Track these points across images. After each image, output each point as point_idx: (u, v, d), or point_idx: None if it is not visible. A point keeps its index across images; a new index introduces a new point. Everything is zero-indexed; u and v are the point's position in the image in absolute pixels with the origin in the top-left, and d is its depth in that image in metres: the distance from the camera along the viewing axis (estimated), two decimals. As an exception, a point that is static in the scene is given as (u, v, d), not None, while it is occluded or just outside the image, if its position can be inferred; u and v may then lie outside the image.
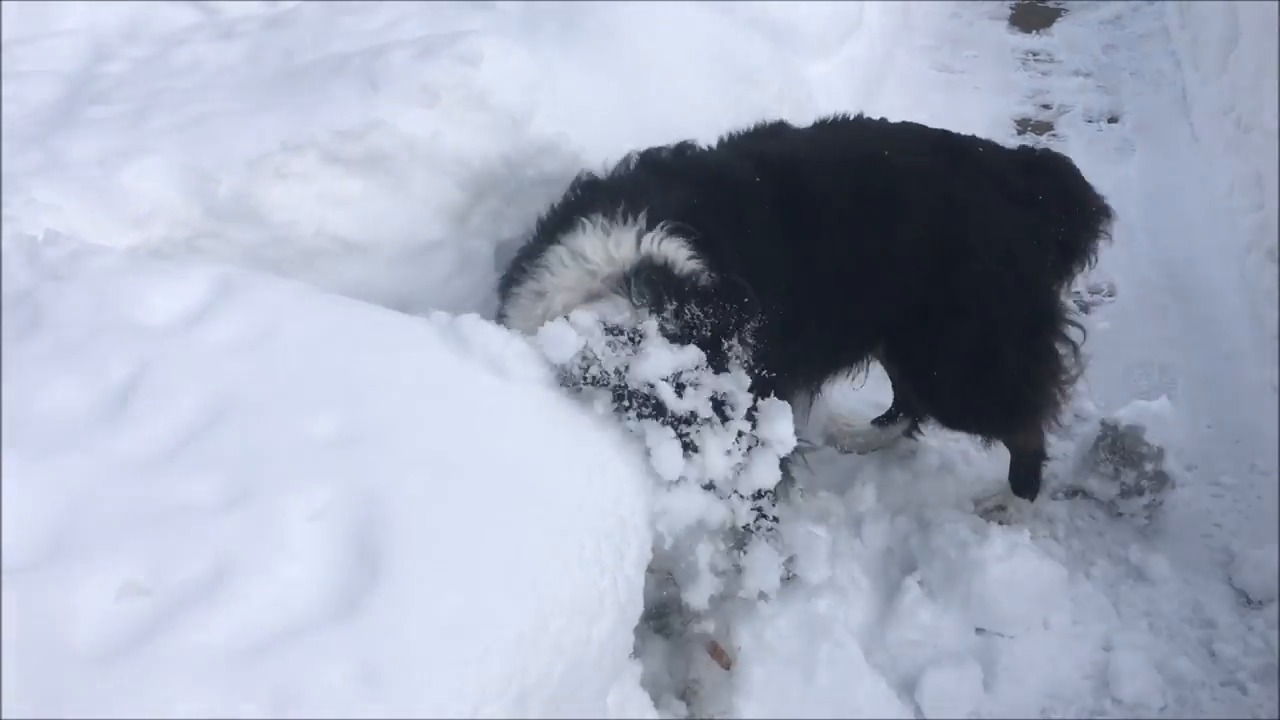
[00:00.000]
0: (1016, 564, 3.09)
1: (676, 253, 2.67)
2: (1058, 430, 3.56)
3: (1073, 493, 3.74)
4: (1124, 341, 4.57)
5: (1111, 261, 5.09)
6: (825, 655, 2.77)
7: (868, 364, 3.49)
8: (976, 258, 3.09)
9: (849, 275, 3.04)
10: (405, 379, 2.33)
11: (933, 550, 3.24)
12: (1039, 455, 3.58)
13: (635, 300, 2.56)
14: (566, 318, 2.55)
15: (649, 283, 2.58)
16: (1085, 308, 4.65)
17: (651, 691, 2.83)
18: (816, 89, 4.71)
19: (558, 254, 2.69)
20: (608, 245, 2.66)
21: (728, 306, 2.61)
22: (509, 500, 2.15)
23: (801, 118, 4.29)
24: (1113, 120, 6.46)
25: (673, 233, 2.69)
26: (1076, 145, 6.18)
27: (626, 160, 3.07)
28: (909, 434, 3.84)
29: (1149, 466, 3.54)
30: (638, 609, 2.35)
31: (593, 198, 2.87)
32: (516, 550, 2.06)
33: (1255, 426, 3.91)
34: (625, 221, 2.69)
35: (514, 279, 2.80)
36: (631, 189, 2.86)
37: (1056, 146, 6.15)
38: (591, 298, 2.63)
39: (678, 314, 2.56)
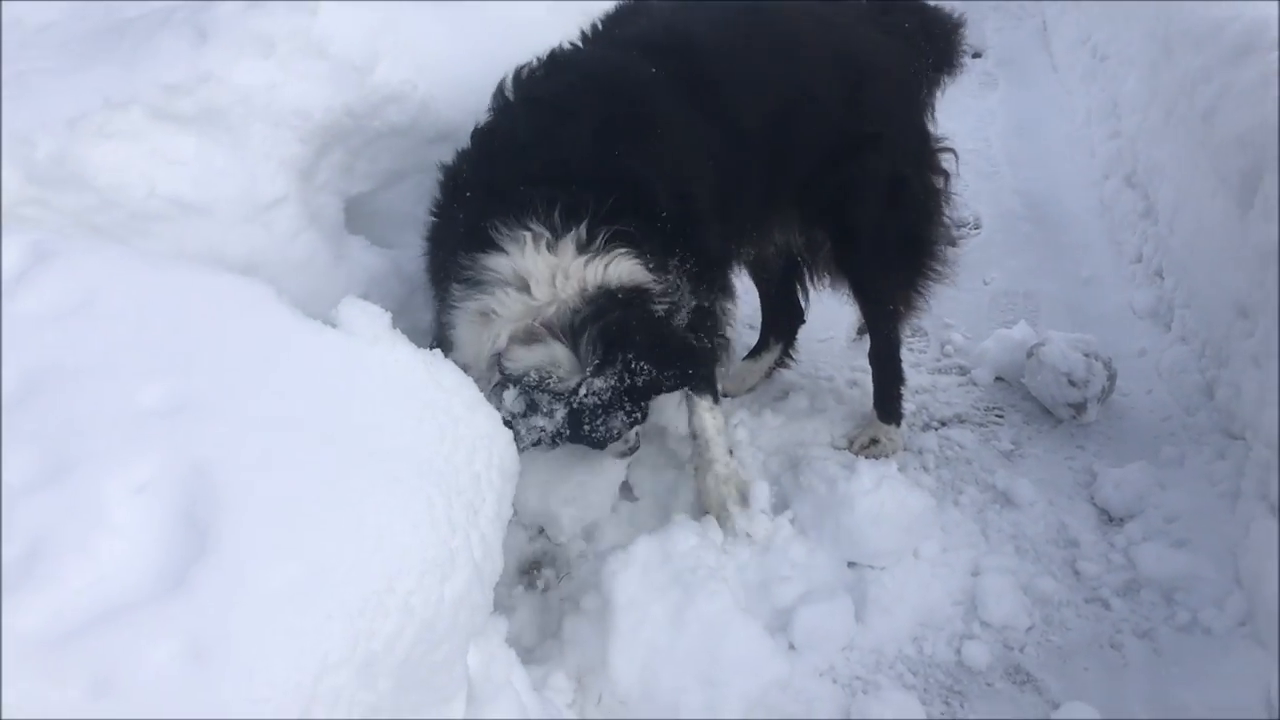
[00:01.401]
0: (884, 496, 3.11)
1: (632, 273, 2.62)
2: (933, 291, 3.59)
3: (943, 424, 3.80)
4: (989, 272, 4.65)
5: (976, 194, 5.19)
6: (695, 602, 2.75)
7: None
8: (878, 85, 3.20)
9: (770, 131, 3.04)
10: (239, 343, 2.22)
11: (804, 488, 3.25)
12: (898, 343, 3.60)
13: (582, 360, 2.55)
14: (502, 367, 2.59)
15: (601, 336, 2.54)
16: (952, 241, 4.69)
17: (520, 647, 2.81)
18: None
19: (502, 273, 2.59)
20: (554, 273, 2.56)
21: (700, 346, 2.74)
22: (352, 462, 2.07)
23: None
24: (976, 55, 6.54)
25: (615, 241, 2.59)
26: (942, 81, 6.24)
27: (503, 95, 2.94)
28: (780, 363, 3.87)
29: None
30: (497, 565, 2.31)
31: (504, 166, 2.72)
32: (359, 512, 1.98)
33: (1114, 347, 3.99)
34: (565, 226, 2.57)
35: (453, 277, 2.66)
36: (540, 148, 2.71)
37: (922, 83, 6.24)
38: (531, 339, 2.58)
39: (627, 368, 2.58)
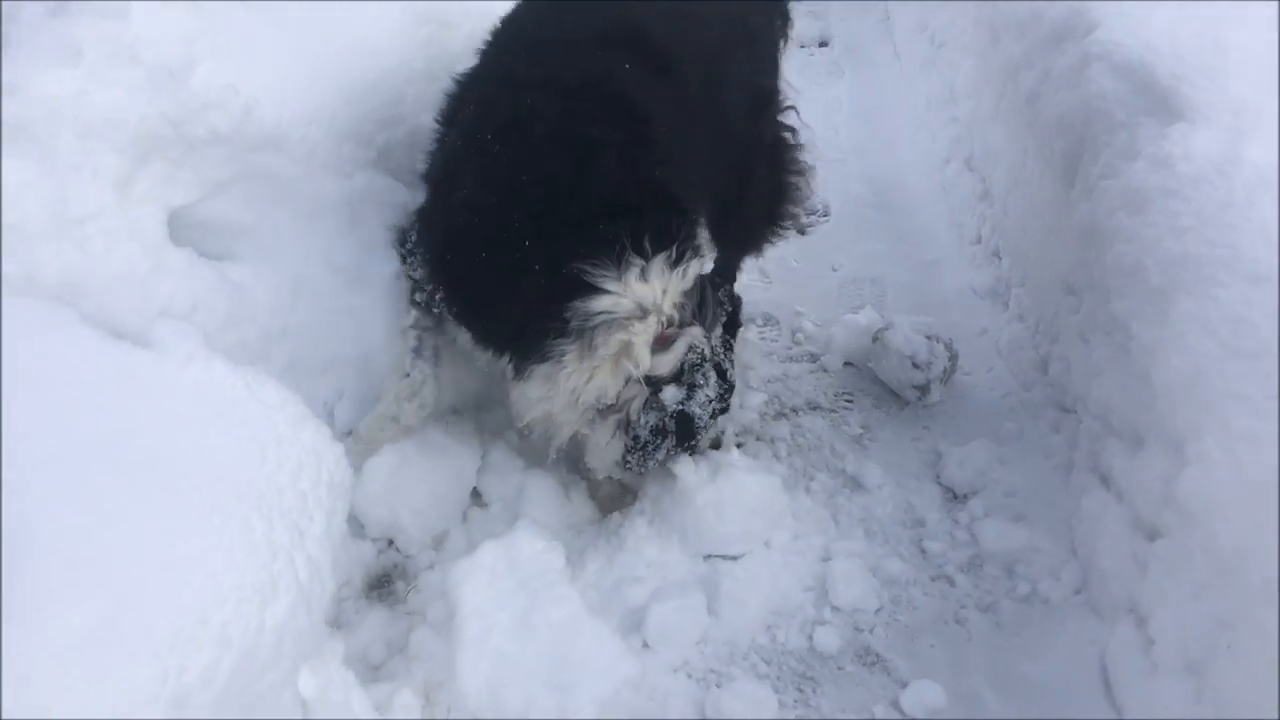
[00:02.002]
0: (722, 484, 3.10)
1: (705, 266, 2.88)
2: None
3: (795, 411, 3.84)
4: (838, 258, 4.71)
5: (824, 182, 5.23)
6: (543, 607, 2.72)
7: None
8: (764, 41, 3.50)
9: (719, 109, 3.15)
10: (39, 369, 2.11)
11: (654, 484, 3.23)
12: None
13: (709, 325, 2.88)
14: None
15: (712, 304, 2.90)
16: (802, 230, 4.75)
17: (368, 665, 2.75)
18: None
19: (619, 310, 2.66)
20: (663, 289, 2.71)
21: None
22: (163, 488, 2.00)
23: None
24: (823, 44, 6.63)
25: (689, 252, 2.75)
26: (790, 71, 6.29)
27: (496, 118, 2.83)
28: None
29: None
30: (327, 586, 2.25)
31: (548, 206, 2.66)
32: (170, 541, 1.91)
33: (958, 328, 4.09)
34: (654, 250, 2.68)
35: (545, 332, 2.71)
36: (578, 182, 2.68)
37: (771, 73, 6.31)
38: (666, 342, 2.79)
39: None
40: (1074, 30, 3.53)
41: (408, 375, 3.18)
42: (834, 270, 4.65)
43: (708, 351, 2.88)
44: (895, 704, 2.82)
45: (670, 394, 2.89)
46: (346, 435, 3.21)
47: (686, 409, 2.90)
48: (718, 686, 2.84)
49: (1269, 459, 2.25)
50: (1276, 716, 2.09)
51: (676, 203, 2.77)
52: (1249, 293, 2.46)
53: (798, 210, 3.71)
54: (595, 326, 2.65)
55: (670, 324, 2.76)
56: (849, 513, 3.40)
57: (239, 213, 3.23)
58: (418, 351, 3.21)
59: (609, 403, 2.83)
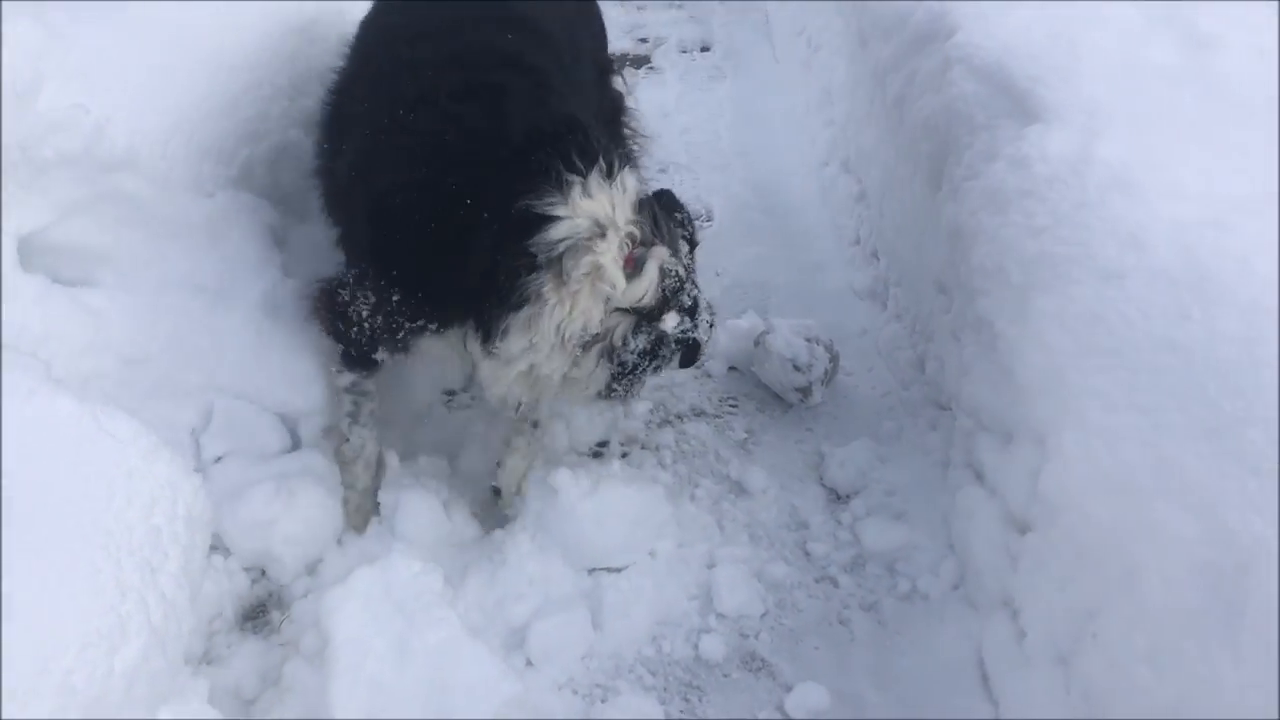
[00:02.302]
0: (603, 495, 3.09)
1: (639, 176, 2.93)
2: None
3: (680, 418, 3.84)
4: (722, 262, 4.71)
5: (709, 187, 5.28)
6: (420, 631, 2.66)
7: None
8: (598, 16, 3.87)
9: (587, 80, 3.44)
10: None
11: (535, 499, 3.20)
12: None
13: (674, 247, 2.86)
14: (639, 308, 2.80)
15: (669, 217, 2.93)
16: (688, 237, 4.77)
17: (241, 700, 2.67)
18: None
19: (578, 232, 2.66)
20: (611, 203, 2.70)
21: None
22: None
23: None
24: (705, 49, 6.67)
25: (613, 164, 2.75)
26: (672, 76, 6.36)
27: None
28: None
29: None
30: (184, 624, 2.18)
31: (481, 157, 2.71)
32: (6, 590, 1.81)
33: (840, 328, 4.13)
34: (584, 167, 2.68)
35: (515, 272, 2.67)
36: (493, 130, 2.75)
37: (654, 79, 6.35)
38: (638, 264, 2.76)
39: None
40: (936, 34, 3.59)
41: (348, 440, 3.20)
42: (717, 275, 4.65)
43: (683, 271, 2.87)
44: (780, 708, 2.83)
45: (672, 322, 2.85)
46: (216, 461, 3.12)
47: (694, 335, 2.91)
48: (603, 701, 2.82)
49: (1123, 453, 2.31)
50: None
51: (589, 127, 2.81)
52: (1102, 290, 2.52)
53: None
54: (562, 254, 2.65)
55: (634, 242, 2.75)
56: (734, 518, 3.40)
57: (94, 236, 3.12)
58: (354, 416, 3.18)
59: (594, 332, 2.77)
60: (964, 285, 3.21)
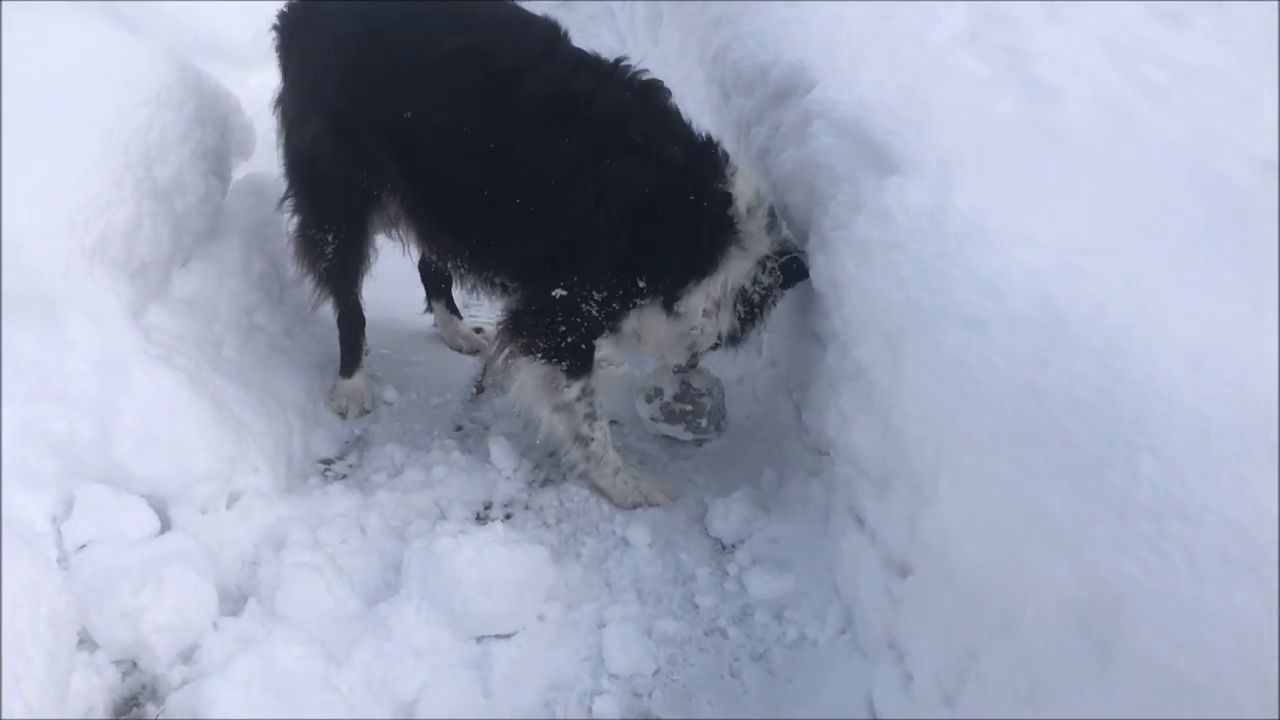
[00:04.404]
0: (488, 562, 3.04)
1: None
2: None
3: (562, 477, 3.80)
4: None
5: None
6: (300, 711, 2.58)
7: None
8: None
9: None
10: None
11: (417, 566, 3.13)
12: None
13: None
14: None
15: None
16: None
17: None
18: (260, 98, 4.41)
19: (752, 202, 3.48)
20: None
21: None
22: None
23: (237, 134, 4.03)
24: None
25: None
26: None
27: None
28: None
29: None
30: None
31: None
32: None
33: (717, 375, 4.16)
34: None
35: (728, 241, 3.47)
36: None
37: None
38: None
39: None
40: (795, 88, 3.68)
41: (593, 439, 3.70)
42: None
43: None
44: (676, 766, 2.82)
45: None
46: (80, 549, 2.98)
47: (795, 253, 3.56)
48: (498, 771, 2.77)
49: (995, 496, 2.37)
50: None
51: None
52: (966, 337, 2.59)
53: None
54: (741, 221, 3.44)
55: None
56: (620, 575, 3.40)
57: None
58: (591, 416, 3.67)
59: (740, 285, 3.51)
60: (837, 335, 3.27)
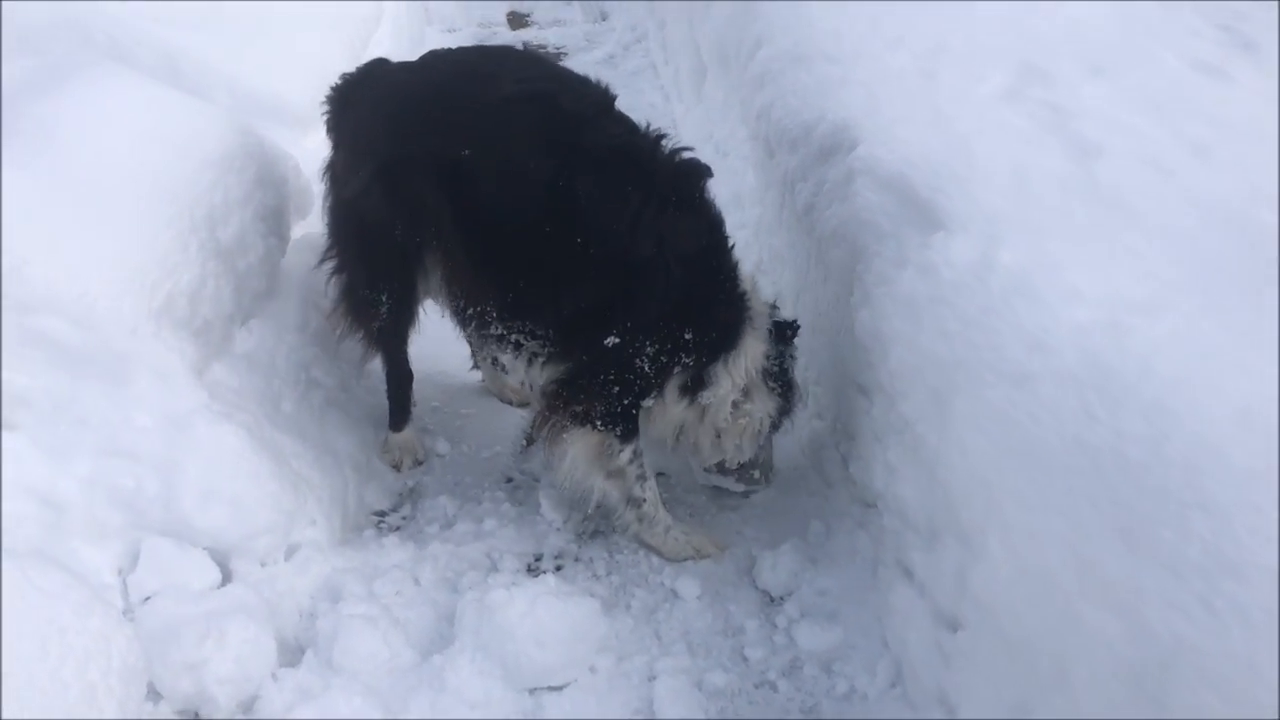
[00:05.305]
0: (540, 615, 3.08)
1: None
2: None
3: (611, 529, 3.84)
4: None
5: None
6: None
7: None
8: None
9: None
10: None
11: (471, 618, 3.18)
12: None
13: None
14: None
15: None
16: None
17: None
18: (316, 158, 4.53)
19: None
20: None
21: None
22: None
23: (296, 195, 4.15)
24: (616, 153, 6.81)
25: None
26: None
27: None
28: None
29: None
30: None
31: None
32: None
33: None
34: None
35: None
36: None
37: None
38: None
39: None
40: (839, 146, 3.75)
41: (645, 500, 3.74)
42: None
43: None
44: (729, 821, 2.83)
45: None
46: (145, 601, 3.06)
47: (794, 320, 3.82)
48: (553, 824, 2.79)
49: (1045, 553, 2.39)
50: None
51: None
52: (1013, 394, 2.62)
53: None
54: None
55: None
56: (670, 627, 3.42)
57: (13, 378, 3.08)
58: (642, 477, 3.72)
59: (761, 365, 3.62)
60: (883, 388, 3.31)
